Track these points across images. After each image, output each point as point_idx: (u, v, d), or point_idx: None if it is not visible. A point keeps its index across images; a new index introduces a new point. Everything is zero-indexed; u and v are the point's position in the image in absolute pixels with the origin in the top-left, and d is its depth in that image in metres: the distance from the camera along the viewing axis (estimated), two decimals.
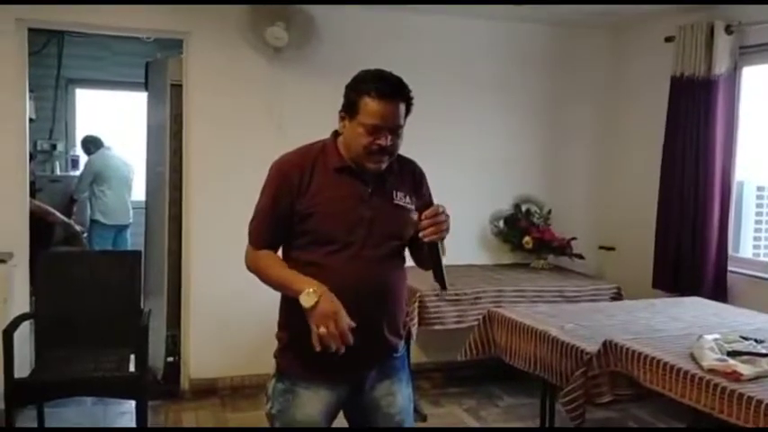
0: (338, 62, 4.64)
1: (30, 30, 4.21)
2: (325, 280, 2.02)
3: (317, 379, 2.12)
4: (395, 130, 2.05)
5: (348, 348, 1.97)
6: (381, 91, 2.00)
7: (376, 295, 2.11)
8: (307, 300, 1.93)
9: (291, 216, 2.08)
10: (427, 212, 1.99)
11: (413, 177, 2.23)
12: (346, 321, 1.92)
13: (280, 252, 2.18)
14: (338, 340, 1.91)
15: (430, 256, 2.03)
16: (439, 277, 2.02)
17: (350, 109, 2.05)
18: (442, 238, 2.00)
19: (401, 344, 2.26)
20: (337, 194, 2.08)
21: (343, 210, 2.08)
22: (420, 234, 2.00)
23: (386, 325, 2.16)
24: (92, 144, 6.87)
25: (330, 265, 2.06)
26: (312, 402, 2.13)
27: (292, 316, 2.08)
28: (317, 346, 1.91)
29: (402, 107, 2.04)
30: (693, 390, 2.53)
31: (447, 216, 2.02)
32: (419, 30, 4.81)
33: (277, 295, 2.18)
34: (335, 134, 2.15)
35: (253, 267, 2.15)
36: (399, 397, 2.23)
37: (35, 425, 3.78)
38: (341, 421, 2.29)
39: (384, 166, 2.09)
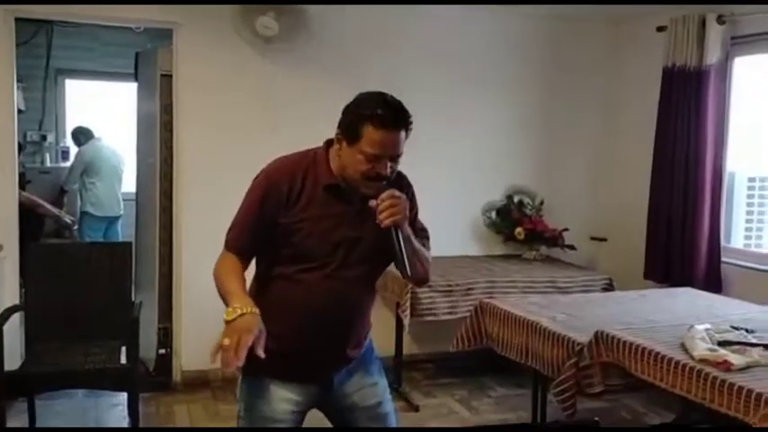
0: (330, 53, 4.64)
1: (18, 19, 4.16)
2: (296, 295, 2.05)
3: (279, 378, 2.12)
4: (395, 158, 2.00)
5: (307, 358, 2.07)
6: (384, 120, 1.93)
7: (344, 315, 2.11)
8: (229, 314, 1.88)
9: (274, 227, 2.03)
10: (382, 196, 1.95)
11: (401, 189, 2.11)
12: (248, 342, 1.83)
13: (253, 263, 2.15)
14: (230, 353, 1.81)
15: (389, 242, 1.97)
16: (400, 263, 1.96)
17: (349, 134, 1.97)
18: (398, 224, 1.96)
19: (364, 345, 2.25)
20: (322, 213, 2.03)
21: (325, 229, 2.03)
22: (378, 221, 1.96)
23: (348, 342, 2.16)
24: (82, 135, 6.82)
25: (303, 280, 2.05)
26: (278, 397, 2.12)
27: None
28: (211, 358, 1.85)
29: (403, 134, 1.99)
30: (684, 380, 2.54)
31: (404, 201, 1.98)
32: (412, 22, 4.79)
33: None
34: (328, 144, 2.08)
35: (215, 269, 2.08)
36: (373, 388, 2.23)
37: (26, 417, 3.76)
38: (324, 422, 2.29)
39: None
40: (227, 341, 1.82)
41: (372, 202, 1.96)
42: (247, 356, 2.06)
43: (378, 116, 1.93)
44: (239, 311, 1.87)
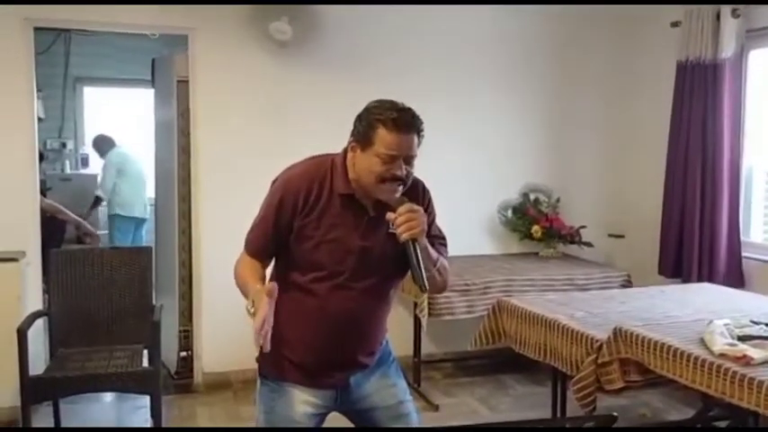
0: (343, 56, 4.67)
1: (36, 29, 4.23)
2: (308, 305, 2.08)
3: (295, 382, 2.15)
4: (409, 160, 2.01)
5: (320, 366, 2.12)
6: (397, 122, 1.97)
7: (355, 325, 2.13)
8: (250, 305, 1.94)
9: (289, 233, 2.06)
10: (400, 210, 1.95)
11: (417, 199, 2.13)
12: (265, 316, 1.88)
13: (269, 271, 2.18)
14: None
15: (407, 256, 1.97)
16: (417, 278, 1.95)
17: (363, 139, 2.00)
18: (416, 238, 1.95)
19: (380, 349, 2.26)
20: (336, 222, 2.05)
21: (336, 239, 2.05)
22: (397, 234, 1.96)
23: (361, 351, 2.18)
24: (104, 143, 6.92)
25: (315, 290, 2.07)
26: (296, 400, 2.15)
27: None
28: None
29: (415, 138, 2.01)
30: (704, 375, 2.53)
31: (422, 215, 1.98)
32: (425, 20, 4.80)
33: None
34: (346, 152, 2.09)
35: (235, 268, 2.14)
36: (392, 389, 2.25)
37: (51, 420, 3.82)
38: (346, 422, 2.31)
39: (396, 195, 2.02)
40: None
41: (390, 215, 1.97)
42: (265, 361, 2.17)
43: (390, 119, 1.96)
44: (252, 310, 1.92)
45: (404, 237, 1.95)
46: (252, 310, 1.90)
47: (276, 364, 2.16)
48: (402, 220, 1.94)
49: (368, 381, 2.22)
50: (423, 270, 1.95)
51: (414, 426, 2.26)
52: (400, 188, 2.01)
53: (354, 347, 2.17)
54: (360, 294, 2.09)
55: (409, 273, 2.04)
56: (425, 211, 2.13)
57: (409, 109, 2.02)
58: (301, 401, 2.15)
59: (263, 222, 2.11)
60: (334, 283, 2.06)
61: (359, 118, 2.04)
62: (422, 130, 2.03)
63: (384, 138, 1.96)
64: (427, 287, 1.97)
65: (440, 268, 2.12)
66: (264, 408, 2.19)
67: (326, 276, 2.06)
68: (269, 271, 2.18)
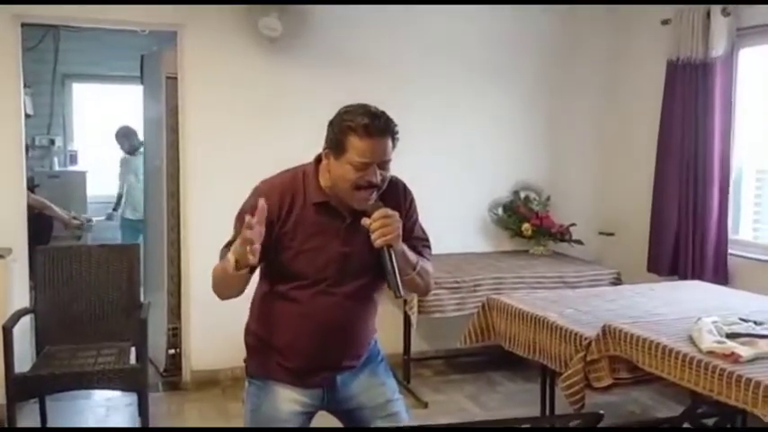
0: (334, 52, 4.65)
1: (25, 25, 4.20)
2: (291, 313, 2.07)
3: (281, 381, 2.15)
4: (383, 165, 1.97)
5: (307, 369, 2.11)
6: (369, 128, 1.91)
7: (340, 330, 2.12)
8: (230, 267, 1.90)
9: (268, 242, 2.00)
10: (375, 215, 1.92)
11: (397, 200, 2.11)
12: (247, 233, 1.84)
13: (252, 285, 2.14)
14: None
15: (381, 262, 1.93)
16: (391, 284, 1.92)
17: (336, 147, 1.96)
18: (391, 244, 1.92)
19: (367, 350, 2.25)
20: (313, 231, 2.03)
21: (316, 247, 2.04)
22: (371, 239, 1.92)
23: (346, 354, 2.18)
24: (136, 138, 6.37)
25: (297, 298, 2.06)
26: (283, 399, 2.15)
27: (257, 321, 2.19)
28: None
29: (389, 142, 1.96)
30: (692, 372, 2.54)
31: (397, 220, 1.94)
32: (415, 16, 4.79)
33: None
34: (317, 161, 2.07)
35: (212, 274, 2.06)
36: (381, 388, 2.24)
37: (38, 418, 3.80)
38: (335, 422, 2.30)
39: (371, 201, 1.98)
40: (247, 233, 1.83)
41: (365, 221, 1.93)
42: (252, 362, 2.18)
43: (362, 125, 1.92)
44: (233, 258, 1.89)
45: (378, 243, 1.91)
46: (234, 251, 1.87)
47: (263, 365, 2.18)
48: (377, 226, 1.91)
49: (355, 380, 2.21)
50: (397, 276, 1.92)
51: (403, 425, 2.25)
52: (374, 194, 1.98)
53: (341, 351, 2.16)
54: (343, 299, 2.08)
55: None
56: (407, 211, 2.13)
57: (382, 113, 1.97)
58: (288, 400, 2.14)
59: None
60: (317, 290, 2.04)
61: (331, 124, 2.00)
62: (396, 134, 1.98)
63: (356, 145, 1.92)
64: (402, 293, 1.94)
65: (420, 272, 2.10)
66: (251, 406, 2.19)
67: (309, 284, 2.05)
68: (252, 286, 2.13)
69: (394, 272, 1.92)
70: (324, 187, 2.04)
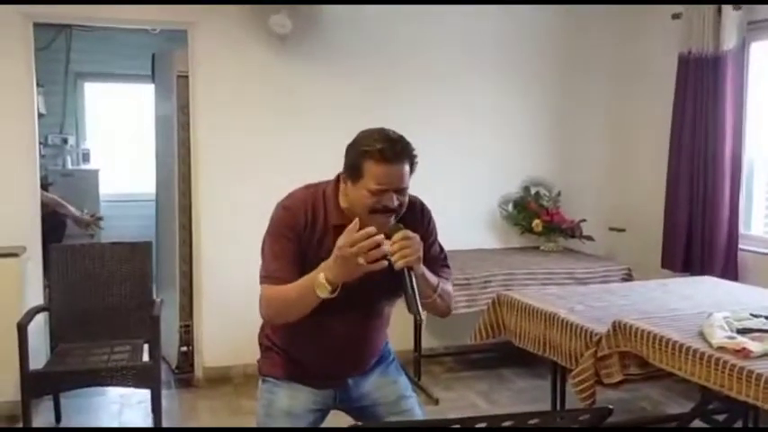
0: (345, 49, 4.66)
1: (37, 24, 4.23)
2: (307, 329, 2.05)
3: (295, 380, 2.18)
4: (401, 191, 1.96)
5: (319, 373, 2.17)
6: (385, 154, 1.90)
7: (354, 346, 2.16)
8: (322, 291, 1.88)
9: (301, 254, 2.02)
10: (395, 237, 1.89)
11: (419, 223, 2.10)
12: (360, 239, 1.81)
13: None
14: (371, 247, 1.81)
15: (402, 284, 1.90)
16: (411, 306, 1.88)
17: (352, 172, 1.95)
18: (411, 266, 1.89)
19: (378, 355, 2.29)
20: (331, 251, 1.95)
21: None
22: (392, 261, 1.88)
23: (359, 365, 2.23)
24: None
25: (313, 314, 1.99)
26: (295, 398, 2.18)
27: (272, 329, 2.22)
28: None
29: (407, 167, 1.95)
30: (703, 368, 2.52)
31: (417, 242, 1.91)
32: (426, 11, 4.78)
33: None
34: (338, 180, 2.05)
35: (268, 302, 2.03)
36: (393, 386, 2.27)
37: (52, 415, 3.84)
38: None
39: (390, 225, 1.96)
40: (361, 260, 1.80)
41: (386, 246, 1.87)
42: (266, 362, 2.23)
43: (378, 150, 1.90)
44: (328, 287, 1.87)
45: (399, 264, 1.87)
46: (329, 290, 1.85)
47: (276, 365, 2.22)
48: (396, 248, 1.88)
49: (367, 380, 2.24)
50: (417, 298, 1.88)
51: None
52: (392, 219, 1.97)
53: (353, 363, 2.21)
54: (360, 318, 2.11)
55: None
56: (426, 230, 2.12)
57: (399, 138, 1.95)
58: (300, 398, 2.18)
59: (283, 250, 2.02)
60: (332, 309, 1.98)
61: (348, 149, 1.99)
62: (414, 158, 1.97)
63: (372, 170, 1.91)
64: (421, 316, 1.92)
65: (441, 294, 2.07)
66: (265, 404, 2.22)
67: (324, 303, 1.97)
68: None
69: (414, 294, 1.88)
70: (343, 209, 2.02)
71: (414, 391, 2.34)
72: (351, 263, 1.82)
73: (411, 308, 1.89)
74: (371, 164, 1.91)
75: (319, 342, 2.12)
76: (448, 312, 2.19)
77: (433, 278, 2.04)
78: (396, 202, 1.95)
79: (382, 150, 1.90)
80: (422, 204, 2.17)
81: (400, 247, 1.88)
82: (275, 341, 2.23)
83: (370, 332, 2.20)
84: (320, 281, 1.87)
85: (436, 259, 2.15)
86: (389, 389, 2.25)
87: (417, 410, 2.28)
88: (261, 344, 2.28)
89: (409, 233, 1.92)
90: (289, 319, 2.03)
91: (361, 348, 2.20)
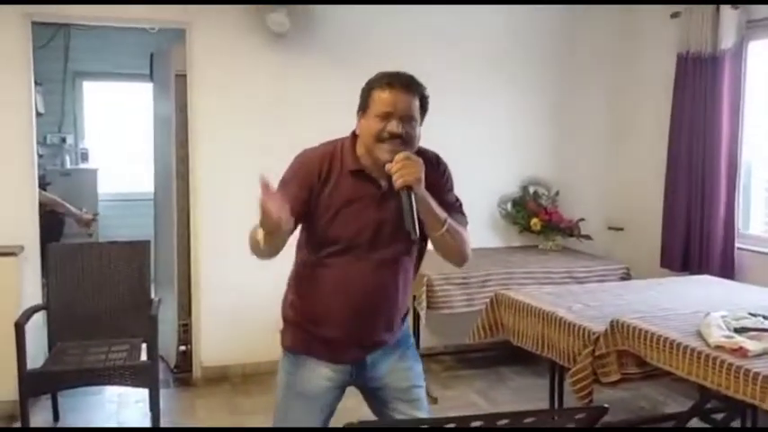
0: (342, 45, 4.65)
1: (36, 23, 4.23)
2: (327, 279, 2.12)
3: (314, 355, 2.20)
4: (406, 119, 2.03)
5: (340, 340, 2.15)
6: (390, 82, 2.04)
7: (374, 298, 2.16)
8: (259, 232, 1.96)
9: (307, 207, 2.08)
10: (396, 158, 1.97)
11: (434, 172, 2.15)
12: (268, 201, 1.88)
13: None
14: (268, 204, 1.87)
15: (400, 203, 1.98)
16: (408, 223, 1.95)
17: (363, 106, 2.08)
18: (411, 186, 1.95)
19: (401, 328, 2.28)
20: (348, 198, 2.08)
21: (350, 214, 2.09)
22: (393, 181, 1.97)
23: (378, 324, 2.21)
24: None
25: (332, 265, 2.11)
26: (314, 374, 2.20)
27: (294, 292, 2.23)
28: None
29: (413, 101, 2.05)
30: (700, 367, 2.53)
31: (418, 164, 1.98)
32: (426, 12, 4.78)
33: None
34: (354, 135, 2.14)
35: (250, 234, 2.08)
36: (407, 372, 2.27)
37: (50, 414, 3.84)
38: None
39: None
40: (266, 204, 1.86)
41: (388, 166, 1.99)
42: (287, 334, 2.25)
43: (384, 80, 2.04)
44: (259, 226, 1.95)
45: (398, 183, 1.95)
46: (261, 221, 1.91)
47: (296, 338, 2.23)
48: (397, 168, 1.96)
49: (385, 361, 2.24)
50: (415, 216, 1.95)
51: (423, 413, 2.27)
52: (399, 146, 2.02)
53: (373, 321, 2.19)
54: (376, 267, 2.12)
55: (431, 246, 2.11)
56: (442, 178, 2.20)
57: (405, 73, 2.08)
58: (319, 375, 2.20)
59: (285, 190, 2.08)
60: (351, 257, 2.09)
61: (362, 89, 2.11)
62: (424, 95, 2.09)
63: (378, 97, 2.03)
64: (417, 233, 1.97)
65: (450, 230, 2.09)
66: (284, 377, 2.25)
67: (343, 250, 2.09)
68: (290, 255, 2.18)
69: (411, 211, 1.95)
70: (359, 156, 2.10)
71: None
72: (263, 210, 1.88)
73: (407, 223, 1.96)
74: (377, 92, 2.04)
75: (339, 294, 2.12)
76: (462, 256, 2.21)
77: (440, 211, 2.07)
78: (400, 128, 2.01)
79: (389, 79, 2.05)
80: (438, 156, 2.25)
81: (400, 167, 1.96)
82: (298, 306, 2.22)
83: (389, 285, 2.17)
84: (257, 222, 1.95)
85: (452, 206, 2.20)
86: (403, 375, 2.27)
87: (425, 402, 2.31)
88: (283, 316, 2.30)
89: (411, 155, 1.99)
90: (260, 255, 2.07)
91: (380, 302, 2.18)
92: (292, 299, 2.26)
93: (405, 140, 2.03)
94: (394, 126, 2.01)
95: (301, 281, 2.21)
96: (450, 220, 2.10)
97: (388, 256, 2.13)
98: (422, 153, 2.10)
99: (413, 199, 1.96)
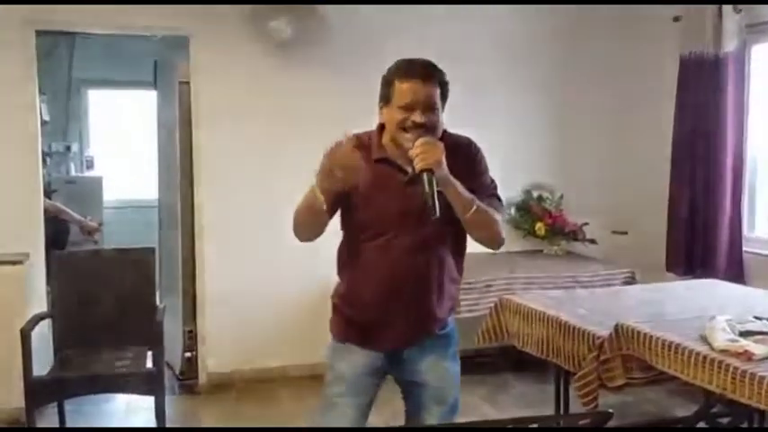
0: (345, 54, 4.67)
1: (40, 32, 4.25)
2: (359, 263, 2.21)
3: (350, 341, 2.27)
4: (428, 108, 2.08)
5: (371, 322, 2.22)
6: (408, 71, 2.10)
7: (403, 283, 2.18)
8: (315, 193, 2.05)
9: (342, 194, 2.13)
10: (417, 142, 2.02)
11: (466, 158, 2.22)
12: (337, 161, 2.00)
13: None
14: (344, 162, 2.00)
15: (422, 187, 2.01)
16: (427, 202, 1.98)
17: (384, 97, 2.14)
18: (429, 167, 1.99)
19: (445, 322, 2.31)
20: (376, 185, 2.14)
21: (378, 201, 2.15)
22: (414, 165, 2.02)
23: (413, 313, 2.22)
24: None
25: (365, 250, 2.20)
26: (354, 359, 2.25)
27: (339, 274, 2.31)
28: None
29: (434, 89, 2.10)
30: (705, 371, 2.52)
31: (438, 147, 2.02)
32: (427, 18, 4.79)
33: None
34: (381, 126, 2.21)
35: (295, 213, 2.18)
36: (444, 372, 2.29)
37: (56, 421, 3.84)
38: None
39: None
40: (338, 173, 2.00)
41: (411, 152, 2.03)
42: (333, 321, 2.32)
43: (403, 70, 2.11)
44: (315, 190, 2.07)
45: (418, 166, 1.99)
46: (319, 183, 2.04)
47: (339, 325, 2.31)
48: (417, 152, 2.00)
49: (425, 358, 2.26)
50: (435, 196, 1.98)
51: (453, 416, 2.30)
52: (423, 134, 2.06)
53: (405, 307, 2.20)
54: (404, 253, 2.16)
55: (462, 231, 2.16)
56: (474, 161, 2.25)
57: (424, 60, 2.14)
58: (357, 362, 2.25)
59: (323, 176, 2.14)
60: (380, 243, 2.16)
61: (382, 79, 2.16)
62: (443, 80, 2.13)
63: (399, 89, 2.09)
64: (437, 212, 1.99)
65: (480, 212, 2.11)
66: (330, 364, 2.32)
67: (374, 236, 2.17)
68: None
69: (432, 192, 1.98)
70: (384, 145, 2.18)
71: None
72: (328, 173, 2.01)
73: (426, 203, 1.99)
74: (397, 83, 2.10)
75: (370, 278, 2.18)
76: (493, 240, 2.23)
77: (466, 193, 2.09)
78: (423, 118, 2.07)
79: (407, 69, 2.11)
80: (470, 140, 2.31)
81: (420, 151, 2.00)
82: (339, 290, 2.30)
83: (420, 272, 2.18)
84: (313, 186, 2.07)
85: (486, 188, 2.24)
86: (440, 374, 2.28)
87: (457, 405, 2.32)
88: (332, 304, 2.36)
89: (430, 138, 2.05)
90: (303, 232, 2.18)
91: (411, 289, 2.19)
92: (337, 284, 2.34)
93: (428, 128, 2.09)
94: (417, 116, 2.07)
95: (343, 266, 2.30)
96: (478, 202, 2.12)
97: (418, 240, 2.16)
98: (454, 138, 2.21)
99: (434, 181, 1.99)
